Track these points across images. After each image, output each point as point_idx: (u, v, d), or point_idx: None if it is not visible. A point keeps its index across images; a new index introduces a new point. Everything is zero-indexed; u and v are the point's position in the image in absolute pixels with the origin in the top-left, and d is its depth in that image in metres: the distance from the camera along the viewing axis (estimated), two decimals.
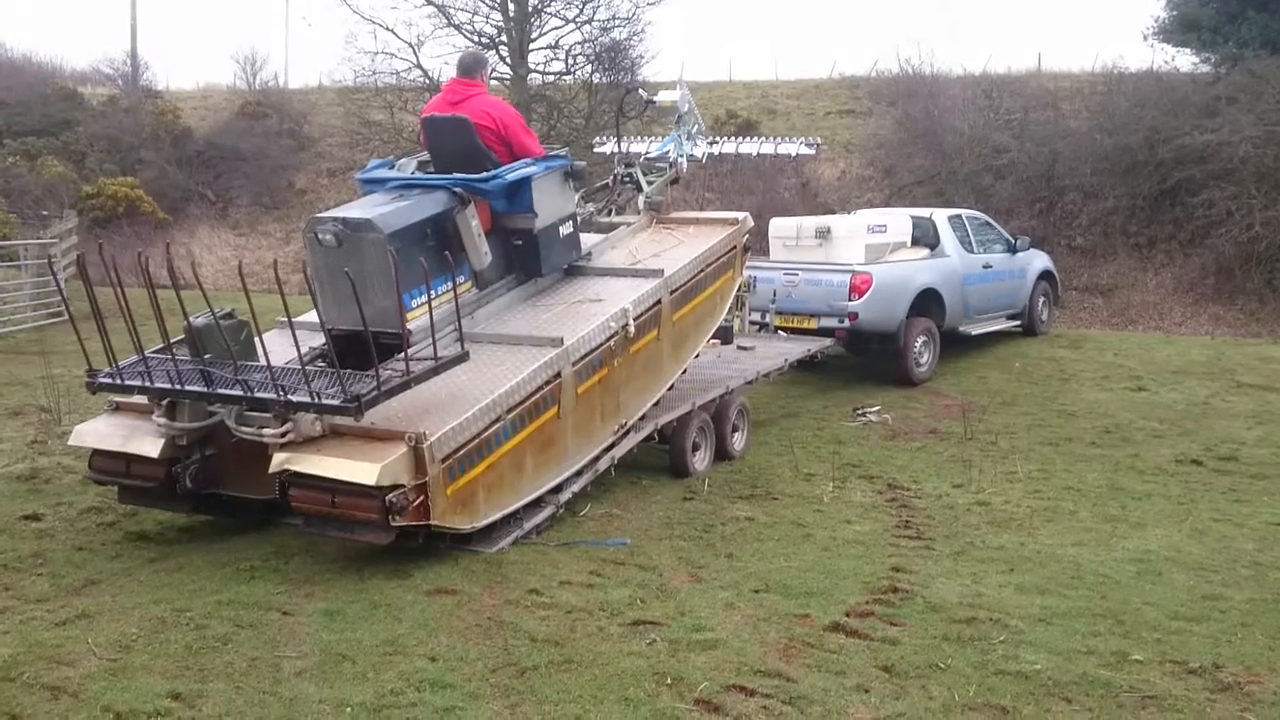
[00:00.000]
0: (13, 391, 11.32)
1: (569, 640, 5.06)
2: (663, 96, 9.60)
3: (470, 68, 7.81)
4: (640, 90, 10.41)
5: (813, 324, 11.96)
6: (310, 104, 31.63)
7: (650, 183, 9.18)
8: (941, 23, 55.06)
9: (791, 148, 11.02)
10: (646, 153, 9.68)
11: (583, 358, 7.03)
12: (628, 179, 9.16)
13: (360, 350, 5.95)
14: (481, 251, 7.29)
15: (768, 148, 11.17)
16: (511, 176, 7.33)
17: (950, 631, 5.26)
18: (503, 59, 26.58)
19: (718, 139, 10.77)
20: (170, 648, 4.90)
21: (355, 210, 6.91)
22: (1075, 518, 7.46)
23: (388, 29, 35.68)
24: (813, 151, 11.42)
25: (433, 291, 6.49)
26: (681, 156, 9.41)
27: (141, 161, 28.55)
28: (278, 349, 6.21)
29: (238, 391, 5.88)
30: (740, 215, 9.00)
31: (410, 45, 26.99)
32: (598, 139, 13.40)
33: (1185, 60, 21.73)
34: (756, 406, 10.44)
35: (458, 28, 26.53)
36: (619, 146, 9.76)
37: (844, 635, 5.21)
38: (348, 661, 4.77)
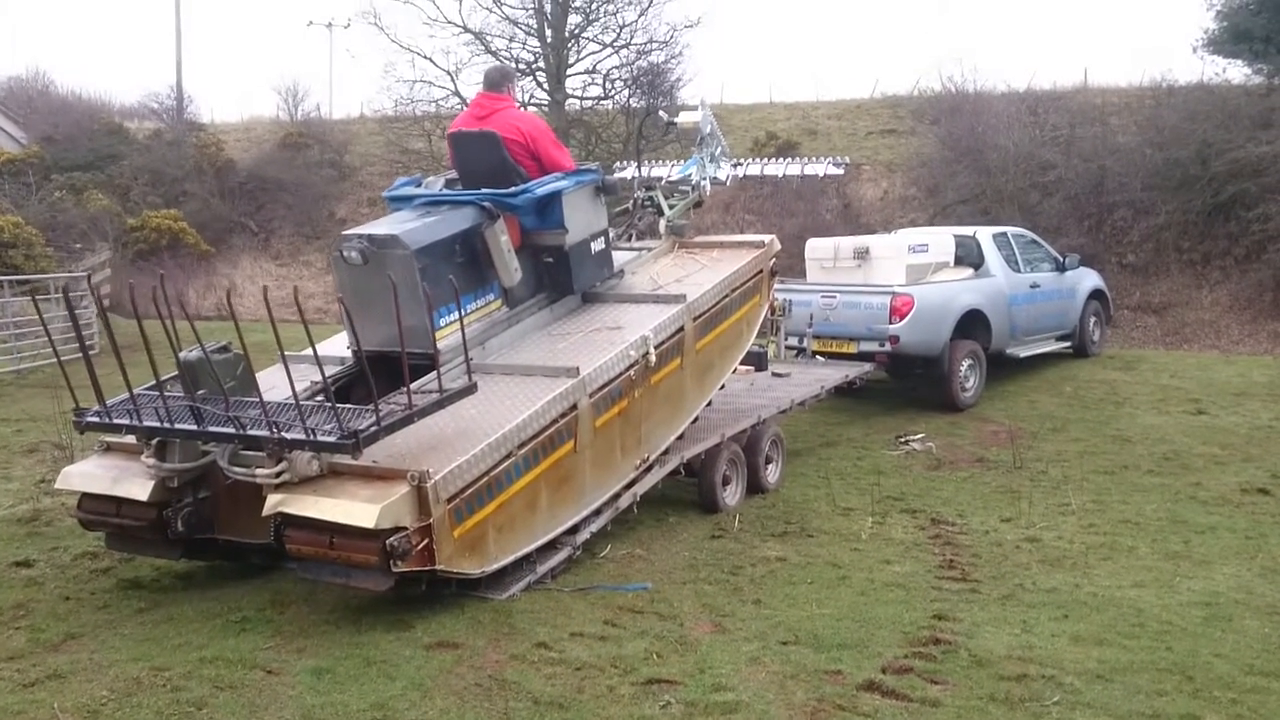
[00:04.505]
0: (33, 428, 11.12)
1: (575, 702, 4.62)
2: (684, 118, 9.23)
3: (497, 82, 7.54)
4: (661, 112, 10.04)
5: (852, 348, 11.50)
6: (351, 134, 31.71)
7: (672, 206, 8.78)
8: (985, 39, 54.38)
9: (819, 168, 10.57)
10: (668, 176, 9.29)
11: (600, 389, 6.62)
12: (649, 203, 8.77)
13: (393, 372, 5.68)
14: (512, 268, 7.00)
15: (794, 168, 10.73)
16: (541, 191, 7.04)
17: (998, 690, 4.76)
18: (540, 85, 26.44)
19: (742, 161, 10.33)
20: (140, 714, 4.51)
21: (381, 227, 6.66)
22: (1134, 554, 6.92)
23: (425, 57, 35.67)
24: (841, 171, 10.95)
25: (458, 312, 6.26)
26: (704, 179, 9.01)
27: (185, 194, 28.75)
28: (281, 384, 5.86)
29: (229, 429, 5.53)
30: (766, 238, 8.58)
31: (448, 73, 27.02)
32: (618, 163, 13.02)
33: (1237, 72, 21.07)
34: (793, 435, 9.98)
35: (495, 54, 26.47)
36: (639, 170, 9.38)
37: (879, 695, 4.72)
38: None
